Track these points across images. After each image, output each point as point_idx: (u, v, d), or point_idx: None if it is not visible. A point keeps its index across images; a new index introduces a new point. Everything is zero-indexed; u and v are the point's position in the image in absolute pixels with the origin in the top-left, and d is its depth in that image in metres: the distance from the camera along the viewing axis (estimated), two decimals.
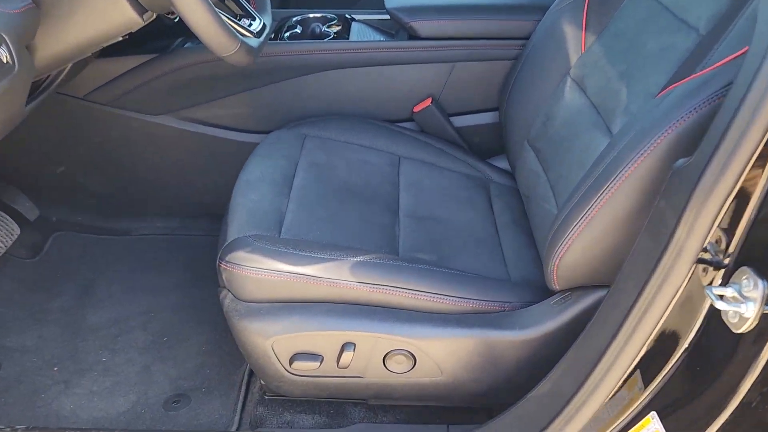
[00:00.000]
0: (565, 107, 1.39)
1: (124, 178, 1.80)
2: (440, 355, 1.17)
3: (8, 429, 1.25)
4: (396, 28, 1.71)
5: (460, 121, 1.69)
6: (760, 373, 0.77)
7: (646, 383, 0.97)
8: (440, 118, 1.66)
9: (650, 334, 0.90)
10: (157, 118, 1.67)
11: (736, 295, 0.77)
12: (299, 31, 1.74)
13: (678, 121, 0.93)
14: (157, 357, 1.45)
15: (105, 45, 1.19)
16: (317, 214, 1.30)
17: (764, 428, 0.80)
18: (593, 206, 1.03)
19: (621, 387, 0.96)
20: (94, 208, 1.85)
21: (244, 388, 1.37)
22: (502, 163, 1.67)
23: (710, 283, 0.83)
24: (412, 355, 1.16)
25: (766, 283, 0.74)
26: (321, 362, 1.17)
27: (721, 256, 0.81)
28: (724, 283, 0.80)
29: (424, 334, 1.15)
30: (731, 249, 0.80)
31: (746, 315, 0.76)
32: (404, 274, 1.18)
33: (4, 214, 1.72)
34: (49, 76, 1.29)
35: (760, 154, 0.74)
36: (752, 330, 0.77)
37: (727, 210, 0.79)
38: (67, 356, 1.45)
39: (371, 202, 1.38)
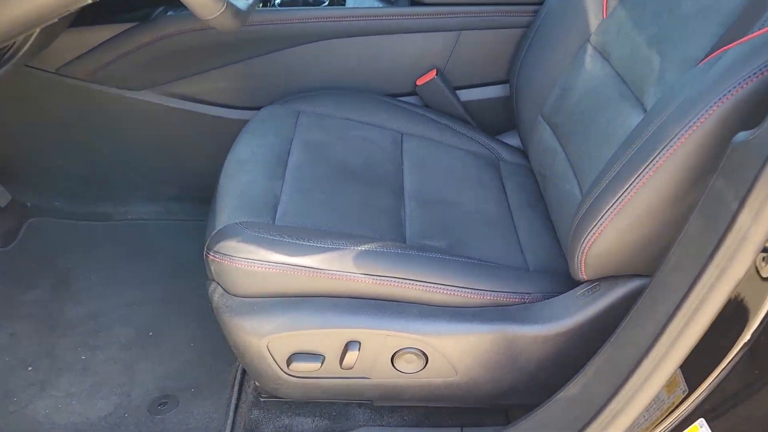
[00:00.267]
0: (586, 78, 1.27)
1: (103, 159, 1.67)
2: (454, 354, 1.05)
3: None
4: None
5: (466, 95, 1.58)
6: None
7: (693, 386, 0.87)
8: (445, 91, 1.55)
9: (703, 333, 0.78)
10: (137, 93, 1.55)
11: None
12: None
13: (734, 88, 0.81)
14: (141, 354, 1.33)
15: (72, 9, 1.05)
16: (315, 198, 1.17)
17: None
18: (630, 188, 0.91)
19: None
20: (71, 193, 1.73)
21: (237, 388, 1.25)
22: (513, 140, 1.55)
23: None
24: (424, 353, 1.05)
25: None
26: (322, 363, 1.05)
27: None
28: None
29: (436, 331, 1.04)
30: None
31: None
32: (413, 264, 1.06)
33: None
34: (13, 43, 1.15)
35: None
36: None
37: None
38: (42, 354, 1.34)
39: (374, 183, 1.26)
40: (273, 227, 1.08)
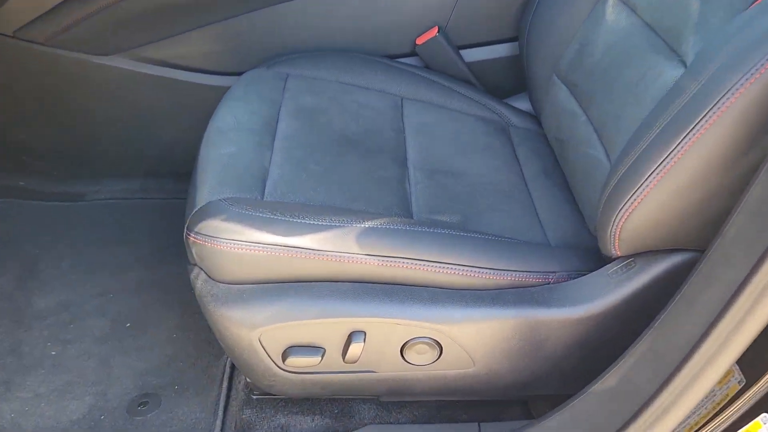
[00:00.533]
0: (608, 30, 1.14)
1: (71, 133, 1.54)
2: (472, 342, 0.93)
3: None
4: None
5: (471, 55, 1.46)
6: None
7: (752, 377, 0.76)
8: (448, 51, 1.43)
9: None
10: (106, 59, 1.42)
11: None
12: None
13: None
14: (118, 348, 1.21)
15: None
16: (309, 170, 1.04)
17: None
18: (674, 152, 0.79)
19: None
20: (37, 171, 1.60)
21: (226, 384, 1.12)
22: (523, 104, 1.44)
23: None
24: (437, 343, 0.93)
25: None
26: (322, 356, 0.93)
27: None
28: None
29: (451, 318, 0.91)
30: None
31: None
32: (423, 243, 0.94)
33: None
34: None
35: None
36: None
37: None
38: (7, 350, 1.22)
39: (374, 153, 1.13)
40: (262, 203, 0.95)
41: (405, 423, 1.04)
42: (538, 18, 1.31)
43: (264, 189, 0.99)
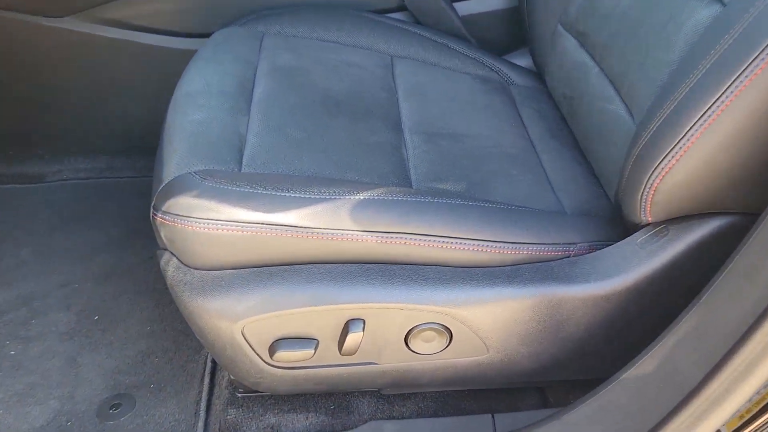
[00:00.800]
0: None
1: (26, 107, 1.41)
2: (485, 326, 0.82)
3: None
4: None
5: (465, 8, 1.36)
6: None
7: None
8: (440, 3, 1.31)
9: None
10: (59, 21, 1.28)
11: None
12: None
13: None
14: (85, 345, 1.08)
15: None
16: (292, 137, 0.91)
17: None
18: (720, 100, 0.69)
19: None
20: None
21: (207, 381, 1.01)
22: (522, 61, 1.31)
23: None
24: (447, 329, 0.82)
25: None
26: (316, 349, 0.81)
27: None
28: None
29: (462, 299, 0.80)
30: None
31: None
32: (426, 215, 0.82)
33: None
34: None
35: None
36: None
37: None
38: None
39: (364, 116, 1.00)
40: (239, 176, 0.82)
41: (410, 417, 0.93)
42: None
43: (241, 159, 0.86)
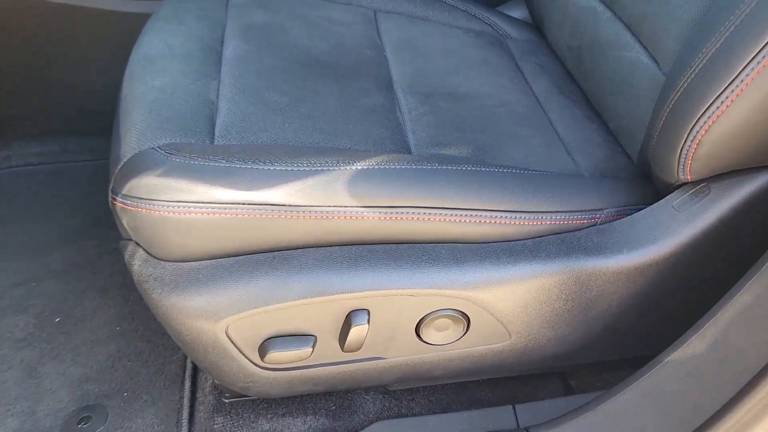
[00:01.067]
0: None
1: None
2: (507, 310, 0.72)
3: None
4: None
5: None
6: None
7: None
8: None
9: None
10: None
11: None
12: None
13: None
14: (46, 351, 0.95)
15: None
16: (272, 102, 0.79)
17: None
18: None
19: None
20: None
21: (188, 385, 0.89)
22: (517, 11, 1.20)
23: None
24: (464, 315, 0.71)
25: None
26: (314, 346, 0.70)
27: None
28: None
29: (481, 280, 0.70)
30: None
31: None
32: (433, 184, 0.71)
33: None
34: None
35: None
36: None
37: None
38: None
39: (350, 76, 0.88)
40: (213, 148, 0.70)
41: (421, 413, 0.83)
42: None
43: (213, 129, 0.73)
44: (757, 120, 0.63)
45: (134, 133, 0.72)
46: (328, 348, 0.71)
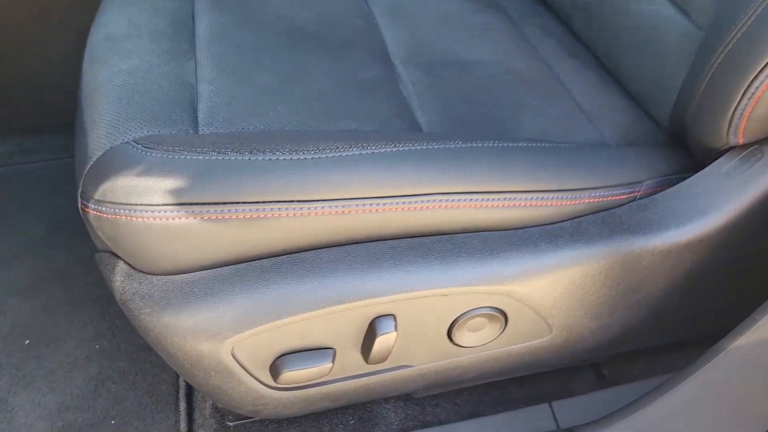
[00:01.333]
0: None
1: None
2: (548, 302, 0.64)
3: None
4: None
5: None
6: None
7: None
8: None
9: None
10: None
11: None
12: None
13: None
14: (17, 379, 0.84)
15: None
16: (260, 82, 0.68)
17: None
18: None
19: None
20: None
21: (184, 406, 0.79)
22: None
23: None
24: (502, 312, 0.63)
25: None
26: (333, 360, 0.60)
27: None
28: None
29: (520, 271, 0.61)
30: None
31: None
32: (465, 165, 0.62)
33: None
34: None
35: None
36: None
37: None
38: None
39: (343, 48, 0.78)
40: (198, 138, 0.59)
41: (447, 420, 0.74)
42: None
43: (196, 117, 0.63)
44: None
45: (102, 126, 0.61)
46: (349, 360, 0.62)
